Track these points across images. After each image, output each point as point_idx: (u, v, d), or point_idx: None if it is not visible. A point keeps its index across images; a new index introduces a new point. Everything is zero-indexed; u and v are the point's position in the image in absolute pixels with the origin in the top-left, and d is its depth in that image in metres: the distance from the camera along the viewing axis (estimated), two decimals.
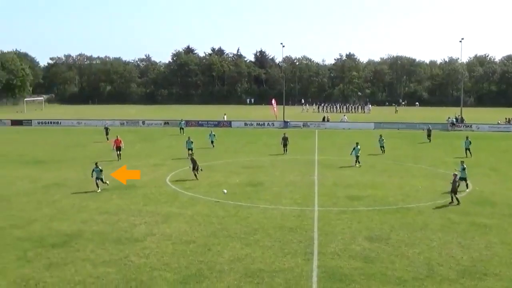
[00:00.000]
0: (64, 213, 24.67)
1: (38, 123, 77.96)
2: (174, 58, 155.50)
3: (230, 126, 74.17)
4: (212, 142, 48.90)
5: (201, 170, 33.37)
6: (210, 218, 23.56)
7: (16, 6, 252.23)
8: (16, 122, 78.42)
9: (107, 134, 54.50)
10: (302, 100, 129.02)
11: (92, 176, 29.28)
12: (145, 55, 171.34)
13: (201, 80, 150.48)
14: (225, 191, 27.94)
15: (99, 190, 28.82)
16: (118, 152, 41.07)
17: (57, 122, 78.23)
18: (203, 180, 32.55)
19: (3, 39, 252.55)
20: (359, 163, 37.95)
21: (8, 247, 19.61)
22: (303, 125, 74.21)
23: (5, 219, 23.57)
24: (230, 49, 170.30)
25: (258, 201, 26.83)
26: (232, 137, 59.31)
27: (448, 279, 16.44)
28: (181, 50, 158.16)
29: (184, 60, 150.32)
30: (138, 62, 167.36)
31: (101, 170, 29.16)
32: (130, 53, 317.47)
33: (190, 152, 40.61)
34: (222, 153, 45.53)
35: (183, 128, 63.09)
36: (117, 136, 42.49)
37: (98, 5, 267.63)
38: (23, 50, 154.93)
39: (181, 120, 66.51)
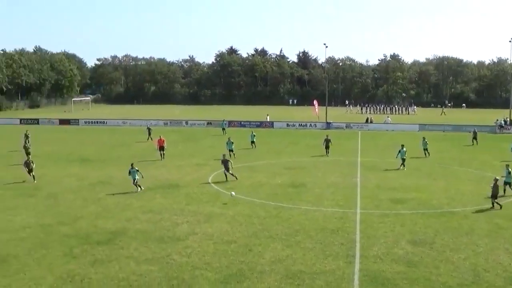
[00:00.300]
0: (109, 211, 25.19)
1: (85, 122, 79.83)
2: (218, 59, 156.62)
3: (272, 126, 74.20)
4: (252, 142, 48.99)
5: (232, 174, 32.59)
6: (252, 218, 23.63)
7: (65, 9, 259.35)
8: (64, 122, 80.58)
9: (149, 134, 55.33)
10: (346, 101, 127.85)
11: (130, 177, 29.59)
12: (189, 56, 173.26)
13: (243, 81, 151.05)
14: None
15: (139, 190, 29.15)
16: (162, 152, 41.63)
17: (103, 122, 79.93)
18: (245, 180, 32.67)
19: (53, 40, 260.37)
20: (403, 166, 37.25)
21: (55, 243, 20.17)
22: (346, 126, 73.55)
23: (53, 216, 24.25)
24: (273, 50, 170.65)
25: (299, 202, 26.75)
26: (274, 137, 59.32)
27: (495, 286, 15.99)
28: (224, 51, 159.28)
29: (227, 61, 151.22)
30: (182, 63, 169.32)
31: (137, 171, 29.36)
32: (174, 54, 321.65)
33: (230, 153, 40.91)
34: (264, 153, 45.59)
35: (225, 129, 63.48)
36: (160, 136, 43.08)
37: (144, 7, 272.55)
38: (71, 51, 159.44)
39: (223, 121, 67.01)
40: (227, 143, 42.54)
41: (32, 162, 33.12)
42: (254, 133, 50.42)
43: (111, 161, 41.03)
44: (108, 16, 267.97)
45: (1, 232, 21.56)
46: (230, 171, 32.46)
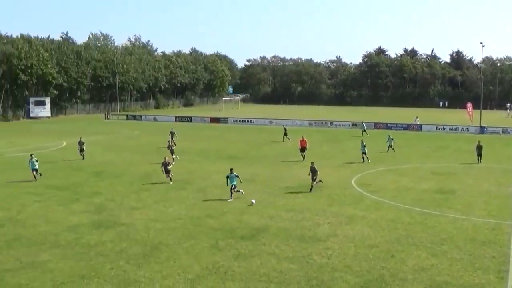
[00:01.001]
0: (253, 207, 25.98)
1: (234, 121, 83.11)
2: (365, 59, 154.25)
3: (421, 129, 71.33)
4: (390, 146, 46.90)
5: (320, 181, 30.41)
6: (395, 223, 22.94)
7: (219, 13, 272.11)
8: (214, 120, 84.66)
9: (285, 134, 55.95)
10: (508, 104, 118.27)
11: (227, 184, 28.02)
12: (336, 57, 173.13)
13: (391, 82, 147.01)
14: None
15: (231, 199, 27.32)
16: (303, 153, 41.65)
17: (251, 121, 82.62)
18: (390, 184, 31.84)
19: (207, 43, 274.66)
20: None
21: (202, 235, 21.27)
22: (502, 131, 68.31)
23: (201, 209, 25.60)
24: (423, 50, 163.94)
25: (447, 210, 25.41)
26: (422, 141, 56.99)
27: None
28: (372, 51, 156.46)
29: (375, 61, 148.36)
30: (329, 64, 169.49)
31: (236, 176, 27.87)
32: (322, 55, 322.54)
33: (363, 156, 40.01)
34: (410, 157, 44.00)
35: (365, 130, 62.55)
36: (302, 137, 43.22)
37: (292, 9, 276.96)
38: (223, 52, 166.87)
39: (362, 122, 66.22)
40: (361, 146, 41.27)
41: (169, 163, 32.41)
42: (391, 136, 48.27)
43: (257, 159, 42.24)
44: (258, 19, 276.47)
45: (155, 222, 23.24)
46: (315, 182, 29.77)
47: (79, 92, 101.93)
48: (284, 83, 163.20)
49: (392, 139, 47.15)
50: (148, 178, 33.77)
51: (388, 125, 72.97)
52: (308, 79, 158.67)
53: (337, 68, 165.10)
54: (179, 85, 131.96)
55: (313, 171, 29.54)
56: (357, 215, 24.39)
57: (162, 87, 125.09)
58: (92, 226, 22.55)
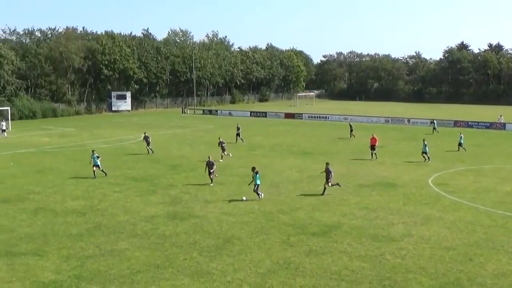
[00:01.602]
0: (325, 204, 25.79)
1: (308, 117, 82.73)
2: (446, 55, 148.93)
3: (504, 128, 68.04)
4: (460, 144, 45.06)
5: (338, 185, 28.23)
6: (474, 226, 22.05)
7: (295, 9, 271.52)
8: (289, 115, 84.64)
9: (351, 131, 55.04)
10: None
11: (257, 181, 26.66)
12: (415, 52, 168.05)
13: (473, 78, 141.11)
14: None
15: (245, 199, 26.50)
16: (373, 151, 40.63)
17: (325, 117, 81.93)
18: (469, 185, 30.65)
19: (283, 38, 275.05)
20: None
21: (274, 230, 21.36)
22: None
23: (274, 204, 25.70)
24: (510, 45, 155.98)
25: None
26: (506, 140, 54.34)
27: None
28: (453, 46, 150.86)
29: (457, 57, 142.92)
30: (407, 59, 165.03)
31: (257, 174, 26.41)
32: (400, 50, 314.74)
33: (424, 155, 38.64)
34: (492, 157, 42.11)
35: (435, 128, 60.61)
36: (372, 134, 42.05)
37: (365, 3, 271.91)
38: (299, 48, 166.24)
39: (433, 120, 64.85)
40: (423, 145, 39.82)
41: (214, 164, 30.40)
42: (461, 135, 46.29)
43: (331, 155, 41.82)
44: (335, 14, 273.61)
45: (228, 215, 23.57)
46: (331, 183, 27.90)
47: (158, 86, 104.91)
48: (360, 79, 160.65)
49: (461, 136, 45.65)
50: (221, 171, 34.27)
51: (469, 123, 70.14)
52: (385, 75, 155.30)
53: (416, 64, 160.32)
54: (254, 80, 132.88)
55: (328, 173, 27.79)
56: (434, 216, 23.65)
57: (238, 82, 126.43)
58: (168, 217, 23.19)
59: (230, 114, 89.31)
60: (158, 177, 32.46)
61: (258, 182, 26.51)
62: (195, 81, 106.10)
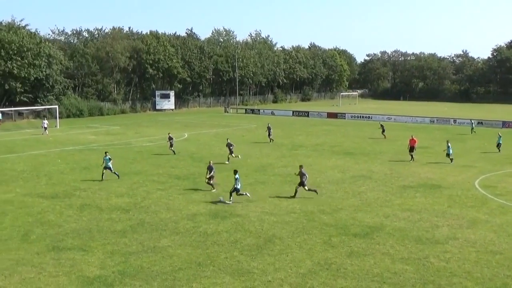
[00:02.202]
0: (368, 205, 25.49)
1: (351, 116, 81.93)
2: (494, 54, 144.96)
3: None
4: (498, 145, 43.71)
5: (315, 191, 27.02)
6: None
7: (338, 8, 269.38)
8: (331, 115, 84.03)
9: (383, 131, 54.08)
10: None
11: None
12: (462, 51, 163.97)
13: None
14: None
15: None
16: (411, 152, 39.56)
17: (368, 117, 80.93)
18: None
19: (326, 37, 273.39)
20: None
21: (316, 230, 21.24)
22: None
23: (315, 204, 25.55)
24: None
25: None
26: None
27: None
28: (503, 44, 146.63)
29: (506, 56, 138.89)
30: (454, 58, 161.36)
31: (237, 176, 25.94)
32: (446, 49, 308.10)
33: (449, 157, 37.61)
34: None
35: (473, 128, 59.16)
36: (412, 136, 41.01)
37: (413, 2, 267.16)
38: (342, 47, 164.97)
39: (470, 120, 64.31)
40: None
41: (213, 169, 28.55)
42: (500, 135, 44.81)
43: (373, 155, 41.33)
44: (378, 13, 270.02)
45: (269, 215, 23.57)
46: (306, 187, 26.81)
47: (201, 86, 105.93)
48: (404, 79, 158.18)
49: (500, 136, 44.41)
50: (263, 170, 34.33)
51: None
52: (431, 75, 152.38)
53: (463, 63, 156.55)
54: (297, 79, 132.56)
55: (301, 175, 26.66)
56: (480, 219, 23.05)
57: (281, 82, 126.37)
58: (209, 216, 23.37)
59: (272, 113, 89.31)
60: (200, 176, 32.67)
61: (238, 186, 25.80)
62: (237, 80, 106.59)
